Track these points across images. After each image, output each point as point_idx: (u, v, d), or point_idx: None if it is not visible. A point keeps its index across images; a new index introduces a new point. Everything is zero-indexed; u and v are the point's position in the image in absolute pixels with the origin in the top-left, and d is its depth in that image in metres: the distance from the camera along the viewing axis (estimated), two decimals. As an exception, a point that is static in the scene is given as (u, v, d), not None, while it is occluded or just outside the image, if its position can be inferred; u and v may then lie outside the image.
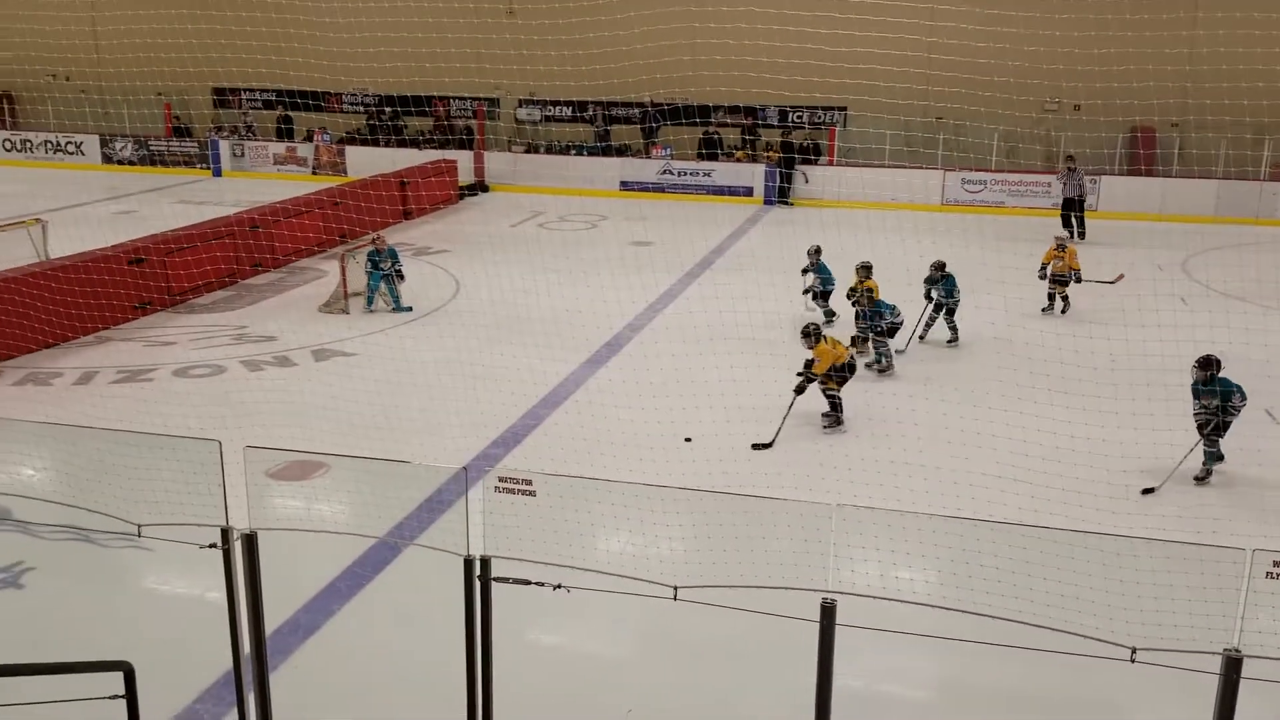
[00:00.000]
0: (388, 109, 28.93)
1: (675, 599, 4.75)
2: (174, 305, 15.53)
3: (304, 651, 6.88)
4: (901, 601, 5.06)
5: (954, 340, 13.51)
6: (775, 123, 27.78)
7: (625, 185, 26.65)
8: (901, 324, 12.71)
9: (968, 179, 24.64)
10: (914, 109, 22.88)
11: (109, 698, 4.58)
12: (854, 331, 12.99)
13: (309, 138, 29.23)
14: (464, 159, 26.76)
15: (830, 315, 14.40)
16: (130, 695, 4.60)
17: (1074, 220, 21.33)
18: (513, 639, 5.93)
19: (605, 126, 28.34)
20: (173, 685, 6.28)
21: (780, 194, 25.40)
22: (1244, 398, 9.38)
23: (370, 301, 15.15)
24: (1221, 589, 4.33)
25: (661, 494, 6.59)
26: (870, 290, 12.95)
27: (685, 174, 26.51)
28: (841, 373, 10.74)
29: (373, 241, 15.28)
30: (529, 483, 4.95)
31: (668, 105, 26.63)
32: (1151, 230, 21.70)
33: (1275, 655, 4.33)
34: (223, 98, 31.43)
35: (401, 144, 27.95)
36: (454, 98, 29.15)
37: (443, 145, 27.60)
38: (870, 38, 20.62)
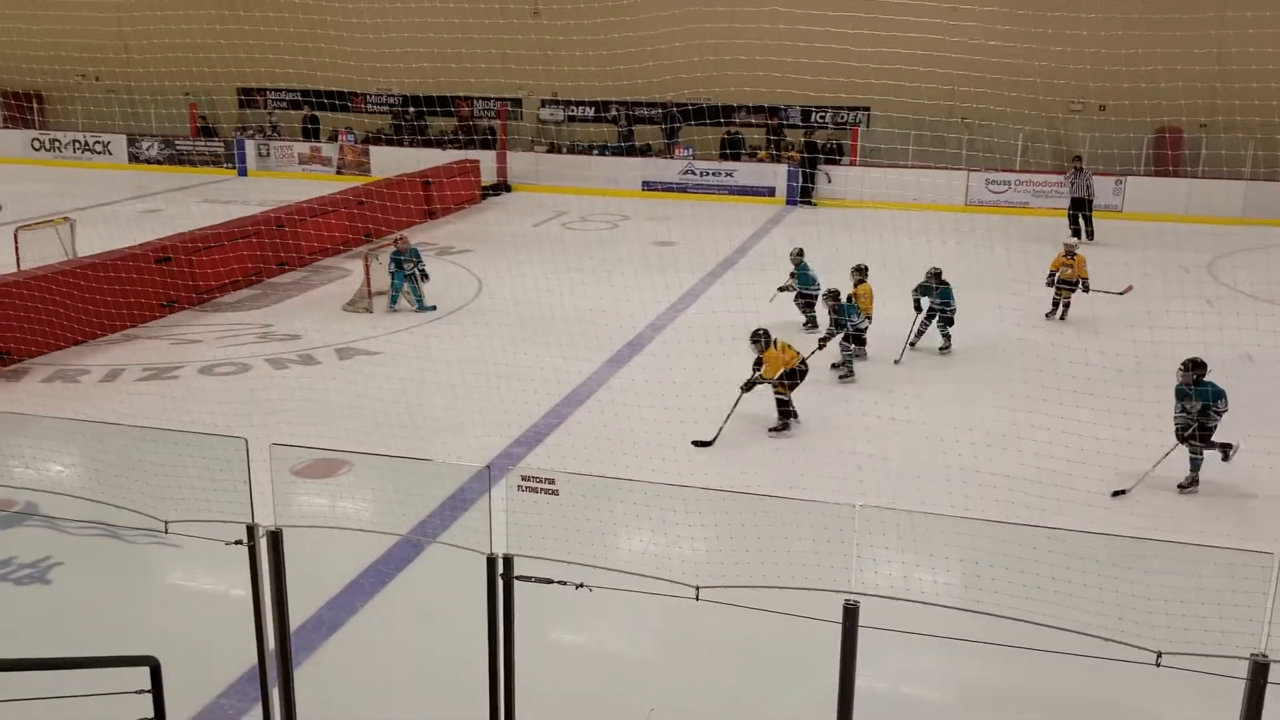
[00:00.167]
0: (412, 109, 29.05)
1: (697, 599, 4.75)
2: (200, 303, 15.65)
3: (327, 648, 6.92)
4: (925, 604, 5.04)
5: (946, 348, 13.14)
6: (798, 123, 27.70)
7: (647, 185, 26.66)
8: (867, 328, 12.47)
9: (992, 179, 24.51)
10: (938, 109, 22.78)
11: (136, 692, 4.62)
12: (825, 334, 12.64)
13: (333, 138, 29.40)
14: (487, 159, 26.83)
15: (811, 322, 14.15)
16: (156, 690, 4.64)
17: (1081, 220, 21.16)
18: (534, 637, 5.95)
19: (628, 127, 28.35)
20: (197, 680, 6.34)
21: (803, 194, 25.36)
22: (1227, 404, 9.15)
23: (394, 301, 15.22)
24: (1249, 593, 4.29)
25: (684, 494, 6.60)
26: (864, 295, 12.85)
27: (707, 174, 26.49)
28: (792, 378, 10.68)
29: (395, 242, 15.35)
30: (552, 481, 4.96)
31: (691, 105, 26.61)
32: (1178, 231, 21.50)
33: (1303, 660, 4.29)
34: (248, 98, 31.64)
35: (426, 144, 28.05)
36: (478, 98, 29.24)
37: (466, 145, 27.69)
38: (894, 38, 20.53)
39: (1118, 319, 13.90)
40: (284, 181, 27.30)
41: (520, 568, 4.92)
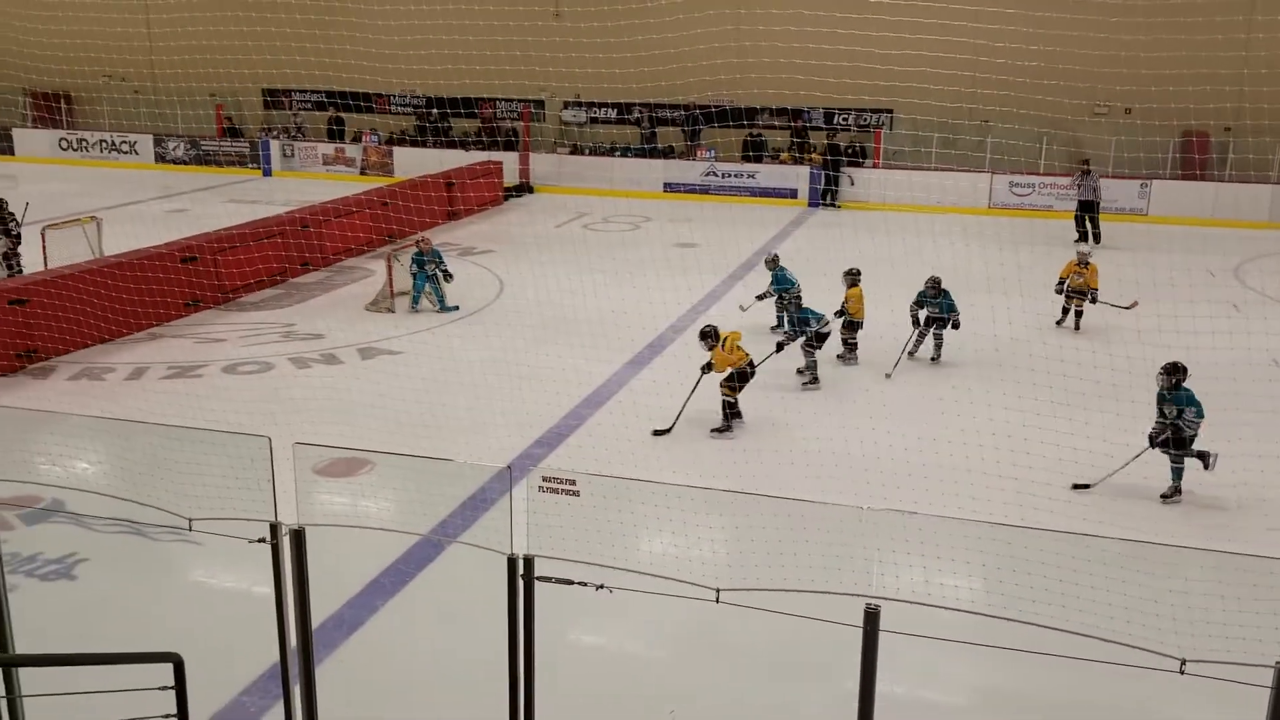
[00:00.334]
0: (435, 110, 29.16)
1: (718, 601, 4.75)
2: (224, 303, 15.76)
3: (348, 647, 6.95)
4: (946, 608, 5.02)
5: (937, 358, 12.86)
6: (821, 125, 27.65)
7: (669, 187, 26.66)
8: (829, 334, 12.22)
9: (1015, 182, 24.38)
10: (961, 112, 22.65)
11: (159, 689, 4.65)
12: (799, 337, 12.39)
13: (357, 139, 29.55)
14: (509, 160, 26.90)
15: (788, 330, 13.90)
16: (180, 687, 4.67)
17: (1089, 223, 21.01)
18: (554, 638, 5.96)
19: (651, 129, 28.36)
20: (219, 677, 6.38)
21: (824, 196, 25.30)
22: (1199, 414, 8.99)
23: (415, 301, 15.28)
24: (1273, 600, 4.26)
25: (704, 495, 6.60)
26: (854, 298, 12.72)
27: (729, 176, 26.47)
28: (740, 380, 10.65)
29: (418, 243, 15.43)
30: (573, 483, 4.96)
31: (714, 108, 26.60)
32: (1204, 235, 21.33)
33: (1329, 669, 4.24)
34: (273, 99, 31.86)
35: (449, 145, 28.14)
36: (501, 99, 29.34)
37: (489, 146, 27.77)
38: (918, 40, 20.45)
39: (1139, 324, 13.71)
40: (308, 182, 27.46)
41: (540, 568, 4.93)
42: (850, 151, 25.90)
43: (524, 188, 26.99)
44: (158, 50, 30.71)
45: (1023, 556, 4.92)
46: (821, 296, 13.03)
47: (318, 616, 5.87)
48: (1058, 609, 4.65)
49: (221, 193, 26.22)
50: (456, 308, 15.41)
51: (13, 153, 31.33)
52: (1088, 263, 14.27)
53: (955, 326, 12.76)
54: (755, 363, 10.85)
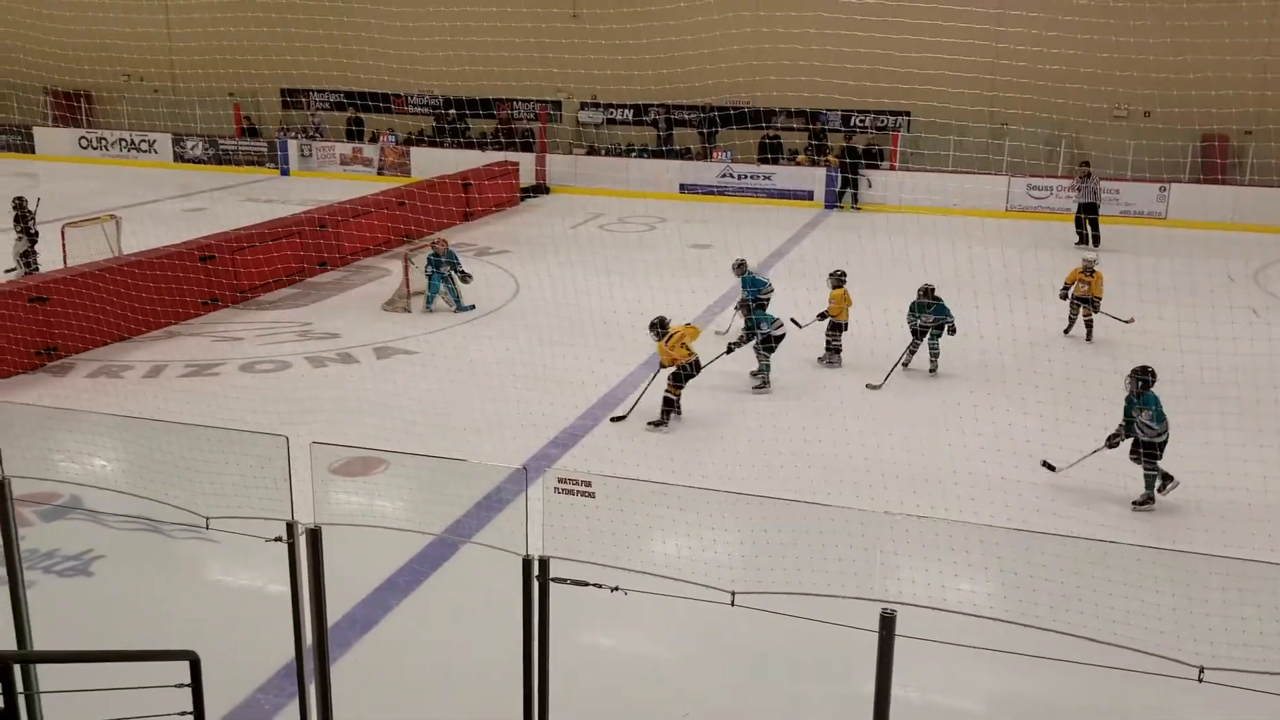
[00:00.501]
0: (453, 111, 29.23)
1: (733, 605, 4.73)
2: (241, 301, 15.83)
3: (362, 646, 6.97)
4: (962, 614, 4.99)
5: (934, 369, 12.58)
6: (838, 127, 27.59)
7: (685, 188, 26.66)
8: (782, 336, 12.04)
9: (1033, 185, 24.28)
10: (979, 114, 22.58)
11: (175, 686, 4.67)
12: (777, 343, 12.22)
13: (375, 139, 29.65)
14: (526, 161, 26.94)
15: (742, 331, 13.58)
16: (196, 685, 4.69)
17: (1089, 225, 20.89)
18: (568, 639, 5.95)
19: (668, 130, 28.36)
20: (234, 675, 6.40)
21: (840, 198, 25.25)
22: (1159, 420, 8.86)
23: (429, 302, 15.32)
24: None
25: (719, 498, 6.59)
26: (836, 300, 12.68)
27: (745, 177, 26.44)
28: (680, 377, 10.67)
29: (433, 245, 15.47)
30: (588, 484, 4.96)
31: (733, 109, 26.59)
32: (1225, 240, 21.19)
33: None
34: (292, 99, 31.98)
35: (467, 145, 28.20)
36: (518, 100, 29.39)
37: (506, 147, 27.84)
38: (936, 43, 20.39)
39: (1160, 329, 13.60)
40: (325, 182, 27.57)
41: (554, 569, 4.93)
42: (868, 154, 25.83)
43: (540, 188, 27.02)
44: (178, 50, 30.90)
45: (1039, 562, 4.89)
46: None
47: (332, 615, 5.88)
48: (1075, 615, 4.62)
49: (239, 192, 26.34)
50: (473, 307, 15.44)
51: (34, 151, 31.57)
52: (1093, 270, 13.98)
53: (951, 332, 12.50)
54: (703, 363, 10.93)
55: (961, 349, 12.69)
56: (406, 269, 15.47)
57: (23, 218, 16.10)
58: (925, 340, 12.56)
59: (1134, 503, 9.02)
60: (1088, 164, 21.56)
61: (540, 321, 14.56)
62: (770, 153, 26.98)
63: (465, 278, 15.51)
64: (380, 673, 6.75)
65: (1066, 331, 14.21)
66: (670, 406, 10.75)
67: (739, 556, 5.30)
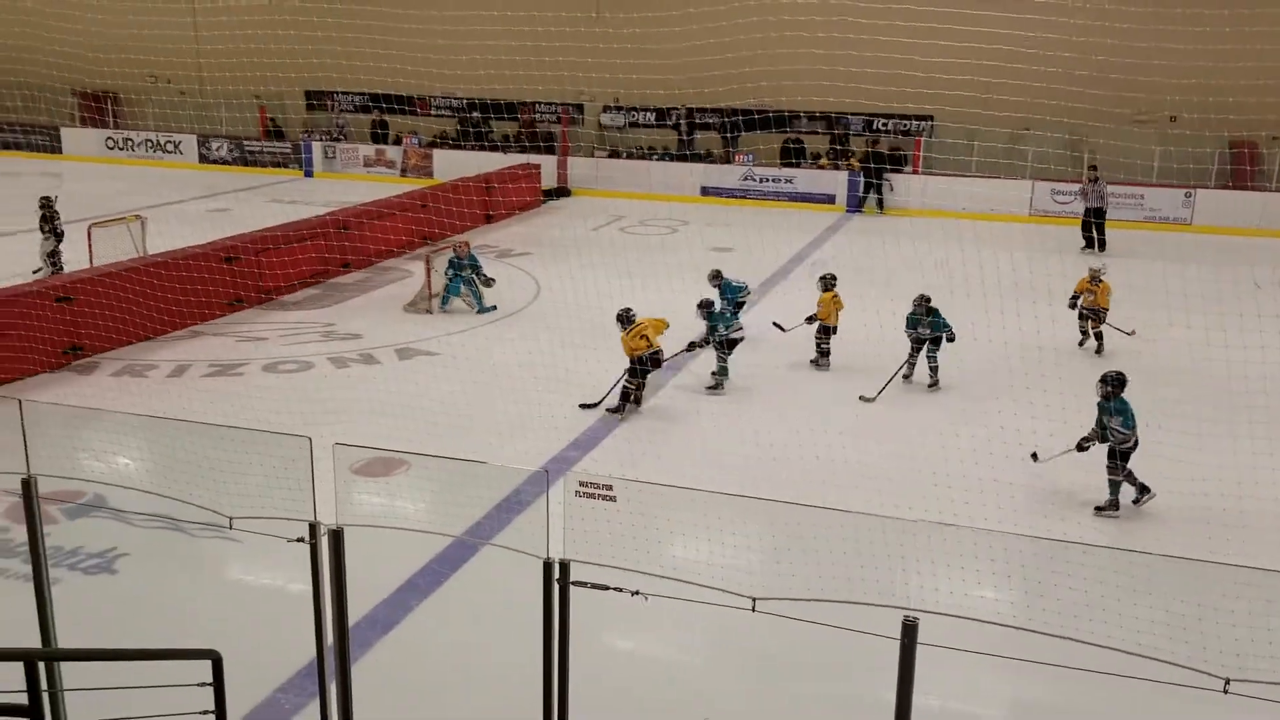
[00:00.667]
0: (476, 113, 29.32)
1: (754, 610, 4.72)
2: (264, 302, 15.92)
3: (383, 646, 6.99)
4: (985, 622, 4.96)
5: (934, 384, 12.31)
6: (860, 131, 27.52)
7: (706, 191, 26.64)
8: (741, 339, 12.04)
9: (1057, 190, 24.13)
10: (1003, 120, 22.48)
11: (198, 685, 4.69)
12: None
13: (397, 141, 29.78)
14: (548, 164, 26.98)
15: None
16: (218, 684, 4.71)
17: (1094, 230, 20.71)
18: (588, 642, 5.95)
19: (690, 134, 28.35)
20: (255, 674, 6.43)
21: (863, 202, 25.18)
22: (1128, 427, 8.81)
23: (444, 302, 15.39)
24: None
25: (740, 503, 6.57)
26: (824, 304, 12.69)
27: (767, 180, 26.40)
28: (638, 368, 10.81)
29: (454, 248, 15.52)
30: (609, 488, 4.96)
31: (755, 113, 26.55)
32: (1251, 246, 20.99)
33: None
34: (316, 101, 32.16)
35: (491, 148, 28.27)
36: (541, 103, 29.44)
37: (530, 150, 27.89)
38: (960, 47, 20.30)
39: (1206, 336, 13.33)
40: (349, 183, 27.69)
41: (575, 573, 4.93)
42: (892, 158, 25.75)
43: (562, 191, 27.06)
44: (204, 53, 31.13)
45: (1063, 571, 4.86)
46: (854, 303, 13.01)
47: (353, 615, 5.90)
48: (1098, 624, 4.59)
49: (263, 193, 26.50)
50: (494, 308, 15.49)
51: (61, 151, 31.88)
52: (1100, 280, 13.73)
53: (950, 339, 12.28)
54: (663, 358, 11.07)
55: (961, 354, 12.64)
56: (429, 270, 15.52)
57: (50, 217, 16.25)
58: (923, 353, 12.35)
59: (1096, 508, 8.97)
60: (1095, 167, 21.40)
61: (561, 324, 14.55)
62: (792, 157, 26.93)
63: (488, 282, 15.56)
64: (401, 673, 6.77)
65: (1081, 344, 14.03)
66: (626, 398, 10.92)
67: (759, 562, 5.29)
